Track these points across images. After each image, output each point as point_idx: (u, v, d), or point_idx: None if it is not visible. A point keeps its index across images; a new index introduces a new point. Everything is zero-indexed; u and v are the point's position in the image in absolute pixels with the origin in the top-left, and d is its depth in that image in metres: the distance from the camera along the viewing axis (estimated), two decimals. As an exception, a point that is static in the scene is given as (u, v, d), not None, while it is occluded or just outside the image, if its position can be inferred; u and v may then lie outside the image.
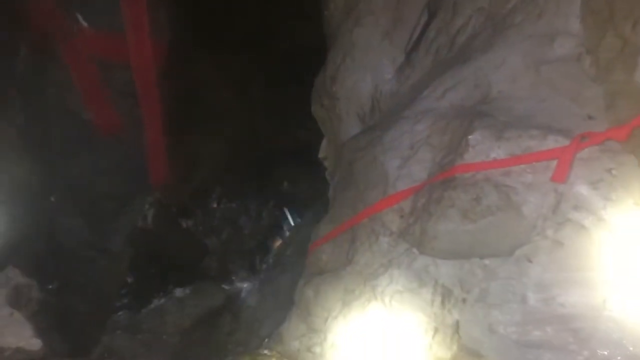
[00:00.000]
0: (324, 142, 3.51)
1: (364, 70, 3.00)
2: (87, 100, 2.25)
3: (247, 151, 6.82)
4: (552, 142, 1.97)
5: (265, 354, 2.52)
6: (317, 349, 2.37)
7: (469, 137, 2.08)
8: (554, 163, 1.94)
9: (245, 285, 6.34)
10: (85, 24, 2.23)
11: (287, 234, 5.84)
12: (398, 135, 2.41)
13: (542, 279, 1.91)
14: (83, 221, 2.53)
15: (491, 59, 2.28)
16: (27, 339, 2.79)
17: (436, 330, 2.10)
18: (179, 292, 6.28)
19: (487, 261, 2.02)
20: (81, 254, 2.59)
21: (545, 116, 2.06)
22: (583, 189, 1.90)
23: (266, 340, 2.69)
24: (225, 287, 6.19)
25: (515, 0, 2.30)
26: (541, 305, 1.90)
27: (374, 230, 2.29)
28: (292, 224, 6.32)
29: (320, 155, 3.71)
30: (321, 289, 2.40)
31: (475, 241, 1.99)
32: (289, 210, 6.68)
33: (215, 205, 7.31)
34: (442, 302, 2.10)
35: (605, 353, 1.75)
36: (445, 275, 2.10)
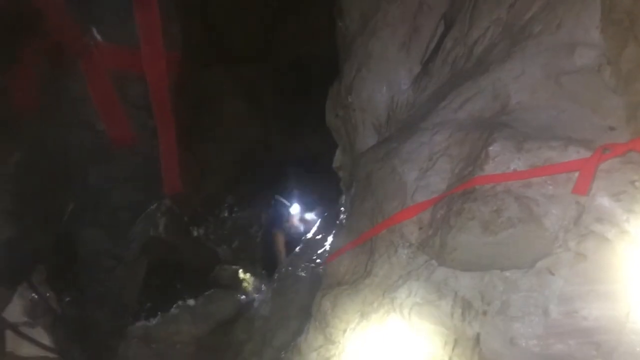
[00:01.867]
0: (338, 152, 3.51)
1: (380, 81, 3.00)
2: (102, 112, 2.28)
3: (259, 160, 6.85)
4: (573, 154, 1.95)
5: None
6: (336, 361, 2.36)
7: (489, 148, 2.07)
8: (576, 175, 1.92)
9: (257, 295, 6.35)
10: (100, 38, 2.26)
11: (300, 244, 5.83)
12: (416, 147, 2.40)
13: (564, 291, 1.89)
14: (100, 231, 2.54)
15: (510, 69, 2.27)
16: (45, 349, 2.80)
17: (456, 342, 2.09)
18: (192, 301, 6.31)
19: (508, 273, 2.00)
20: (99, 263, 2.61)
21: (565, 127, 2.05)
22: (605, 201, 1.89)
23: (283, 353, 2.67)
24: (238, 296, 6.21)
25: (534, 10, 2.29)
26: (563, 318, 1.88)
27: (392, 242, 2.28)
28: (304, 233, 6.32)
29: (335, 165, 3.72)
30: (339, 301, 2.39)
31: (495, 253, 1.98)
32: (301, 220, 6.70)
33: (227, 214, 7.35)
34: (462, 315, 2.08)
35: (629, 366, 1.73)
36: (465, 287, 2.08)
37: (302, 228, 6.55)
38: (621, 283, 1.83)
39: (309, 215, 6.57)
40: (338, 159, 3.48)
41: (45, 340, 2.76)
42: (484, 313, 2.03)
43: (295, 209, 6.74)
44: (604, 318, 1.83)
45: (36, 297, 2.89)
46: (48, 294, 2.96)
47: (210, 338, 5.43)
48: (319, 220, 5.66)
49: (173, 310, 6.20)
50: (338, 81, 3.32)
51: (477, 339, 2.03)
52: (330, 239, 2.77)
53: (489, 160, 2.07)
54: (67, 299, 2.96)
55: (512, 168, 2.03)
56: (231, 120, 6.57)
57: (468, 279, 2.08)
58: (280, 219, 6.85)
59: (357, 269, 2.43)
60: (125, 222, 2.46)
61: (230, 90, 6.41)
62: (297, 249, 5.61)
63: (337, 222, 2.80)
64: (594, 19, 2.08)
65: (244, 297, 6.24)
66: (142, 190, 2.39)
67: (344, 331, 2.33)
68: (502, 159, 2.05)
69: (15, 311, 2.71)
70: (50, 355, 2.74)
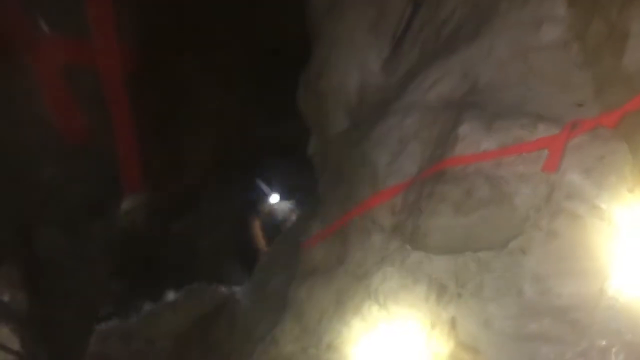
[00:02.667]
0: (312, 139, 3.46)
1: (349, 65, 2.95)
2: (53, 107, 2.19)
3: (236, 149, 6.76)
4: (543, 131, 1.93)
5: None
6: (313, 351, 2.33)
7: (458, 129, 2.05)
8: (545, 152, 1.90)
9: (238, 287, 6.30)
10: (49, 30, 2.16)
11: (279, 234, 5.79)
12: (386, 131, 2.37)
13: (538, 270, 1.88)
14: (57, 230, 2.46)
15: (478, 48, 2.24)
16: (12, 353, 2.73)
17: (432, 326, 2.07)
18: (172, 295, 6.23)
19: (481, 254, 1.98)
20: (58, 263, 2.53)
21: (534, 105, 2.03)
22: (575, 178, 1.87)
23: (260, 345, 2.64)
24: (219, 289, 6.14)
25: (500, -13, 2.26)
26: (537, 298, 1.87)
27: (365, 227, 2.26)
28: (284, 222, 6.28)
29: (309, 152, 3.66)
30: (314, 290, 2.36)
31: (468, 235, 1.96)
32: (280, 209, 6.64)
33: (205, 206, 7.26)
34: (438, 298, 2.06)
35: (604, 343, 1.72)
36: (440, 270, 2.06)
37: (281, 217, 6.50)
38: (594, 260, 1.82)
39: (288, 204, 6.52)
40: (312, 145, 3.43)
41: (13, 344, 2.69)
42: (459, 295, 2.01)
43: (274, 197, 6.68)
44: (577, 295, 1.82)
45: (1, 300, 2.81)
46: (11, 296, 2.88)
47: (191, 333, 5.37)
48: (298, 209, 5.61)
49: (152, 307, 6.14)
50: (308, 67, 3.26)
51: (453, 322, 2.01)
52: (307, 226, 2.75)
53: (458, 142, 2.04)
54: (30, 300, 2.89)
55: (482, 148, 2.01)
56: (205, 109, 6.47)
57: (442, 261, 2.06)
58: (259, 208, 6.79)
59: (331, 257, 2.40)
60: (84, 221, 2.38)
61: (203, 78, 6.30)
62: (277, 238, 5.57)
63: (313, 209, 2.77)
64: (560, -7, 2.06)
65: (224, 290, 6.19)
66: (100, 189, 2.31)
67: (320, 320, 2.30)
68: (472, 140, 2.02)
69: None
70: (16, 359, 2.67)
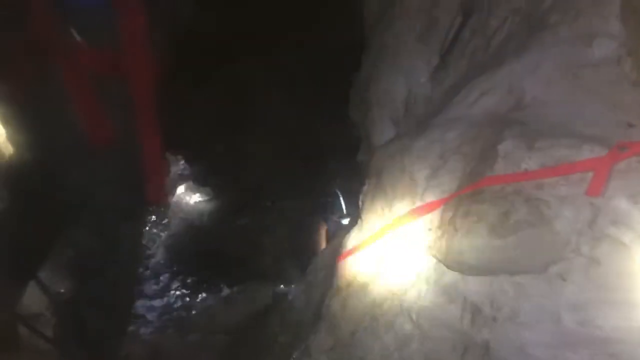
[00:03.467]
0: (361, 147, 3.45)
1: (397, 73, 2.91)
2: (82, 112, 2.29)
3: (302, 151, 6.85)
4: (588, 152, 1.83)
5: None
6: (345, 364, 2.33)
7: (498, 146, 1.97)
8: (590, 175, 1.80)
9: (293, 286, 6.38)
10: (81, 39, 2.26)
11: (334, 236, 5.80)
12: (428, 144, 2.31)
13: (578, 299, 1.79)
14: (88, 232, 2.58)
15: (525, 62, 2.15)
16: (52, 343, 2.90)
17: (465, 349, 2.02)
18: (227, 290, 6.40)
19: (518, 278, 1.91)
20: (88, 264, 2.65)
21: (581, 124, 1.93)
22: (622, 203, 1.76)
23: (295, 353, 2.66)
24: (274, 287, 6.25)
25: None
26: (576, 327, 1.78)
27: (401, 243, 2.22)
28: (344, 224, 6.28)
29: (359, 158, 3.66)
30: (349, 302, 2.35)
31: (504, 257, 1.88)
32: (340, 210, 6.66)
33: (269, 204, 7.41)
34: (472, 320, 2.01)
35: (646, 380, 1.62)
36: (475, 292, 2.00)
37: (336, 221, 6.52)
38: (638, 291, 1.71)
39: (343, 209, 6.52)
40: (360, 153, 3.42)
41: (43, 344, 2.87)
42: (494, 319, 1.95)
43: (338, 200, 6.70)
44: (620, 328, 1.72)
45: (42, 294, 2.99)
46: (49, 293, 3.06)
47: (244, 329, 5.49)
48: (348, 216, 5.61)
49: (208, 300, 6.33)
50: (359, 74, 3.25)
51: (486, 346, 1.95)
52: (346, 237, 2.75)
53: (498, 160, 1.97)
54: (62, 298, 3.05)
55: (522, 168, 1.93)
56: (270, 111, 6.60)
57: (477, 283, 2.00)
58: (324, 210, 6.84)
59: (367, 270, 2.38)
60: (114, 223, 2.49)
61: (265, 80, 6.43)
62: (332, 241, 5.59)
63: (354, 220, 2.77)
64: (614, 7, 1.95)
65: (279, 288, 6.29)
66: (127, 192, 2.40)
67: (353, 334, 2.29)
68: (513, 158, 1.95)
69: (25, 306, 2.81)
70: (55, 350, 2.84)
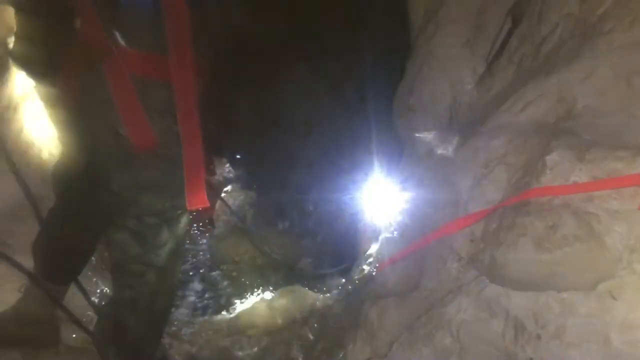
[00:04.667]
0: (405, 153, 3.39)
1: (442, 80, 2.85)
2: (125, 117, 2.32)
3: (346, 155, 6.84)
4: (643, 165, 1.74)
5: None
6: (382, 375, 2.29)
7: (546, 157, 1.90)
8: (644, 189, 1.72)
9: (334, 291, 6.35)
10: (124, 43, 2.30)
11: (378, 242, 5.73)
12: (472, 153, 2.25)
13: (628, 318, 1.70)
14: (127, 236, 2.62)
15: (577, 70, 2.06)
16: (84, 352, 2.96)
17: (508, 366, 1.95)
18: (268, 294, 6.43)
19: (565, 295, 1.83)
20: (129, 268, 2.69)
21: (635, 135, 1.83)
22: (678, 220, 1.67)
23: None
24: (315, 292, 6.24)
25: (607, 5, 2.06)
26: (626, 349, 1.70)
27: (442, 254, 2.17)
28: (385, 231, 6.21)
29: (401, 165, 3.60)
30: (386, 313, 2.30)
31: (550, 273, 1.81)
32: (382, 215, 6.58)
33: (312, 208, 7.41)
34: (515, 336, 1.94)
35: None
36: (518, 307, 1.93)
37: (381, 229, 6.45)
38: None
39: (389, 218, 6.43)
40: (404, 160, 3.37)
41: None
42: (538, 337, 1.87)
43: (377, 208, 6.65)
44: (673, 351, 1.63)
45: (84, 295, 3.05)
46: (90, 294, 3.12)
47: (283, 332, 5.50)
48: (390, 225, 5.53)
49: (249, 303, 6.37)
50: (403, 80, 3.20)
51: (530, 364, 1.88)
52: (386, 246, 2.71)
53: (546, 171, 1.90)
54: (104, 300, 3.11)
55: (572, 180, 1.85)
56: (315, 116, 6.61)
57: (521, 298, 1.93)
58: (364, 216, 6.80)
59: (406, 280, 2.33)
60: (152, 228, 2.52)
61: (310, 85, 6.44)
62: (372, 248, 5.53)
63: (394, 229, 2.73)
64: (673, 13, 1.84)
65: (320, 293, 6.27)
66: (168, 197, 2.43)
67: (391, 344, 2.24)
68: (561, 170, 1.87)
69: (67, 307, 2.88)
70: (94, 352, 2.89)
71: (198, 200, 2.46)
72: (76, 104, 2.40)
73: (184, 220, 2.74)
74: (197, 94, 2.38)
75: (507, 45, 2.55)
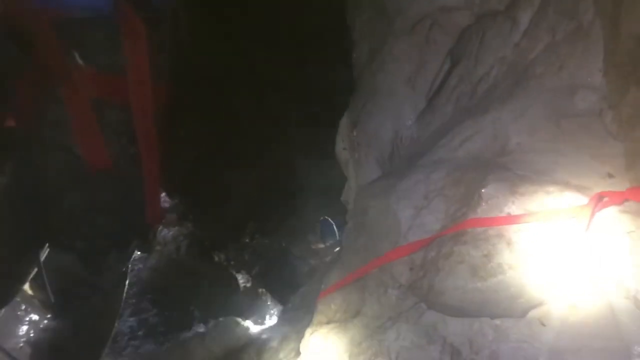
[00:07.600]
0: (346, 186, 3.47)
1: (385, 116, 2.96)
2: (80, 137, 2.30)
3: (282, 187, 6.86)
4: (570, 200, 1.87)
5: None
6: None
7: (482, 190, 2.00)
8: (571, 222, 1.84)
9: (269, 324, 6.28)
10: (83, 63, 2.29)
11: (316, 274, 5.76)
12: (412, 185, 2.34)
13: (556, 345, 1.79)
14: (76, 258, 2.53)
15: (510, 109, 2.21)
16: None
17: (443, 392, 1.99)
18: (202, 327, 6.28)
19: (498, 321, 1.91)
20: (74, 291, 2.59)
21: (563, 172, 1.97)
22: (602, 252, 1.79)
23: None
24: (250, 324, 6.15)
25: (538, 50, 2.23)
26: (554, 373, 1.78)
27: (382, 281, 2.22)
28: (324, 261, 6.25)
29: (342, 198, 3.67)
30: (329, 338, 2.31)
31: (485, 300, 1.89)
32: (320, 248, 6.63)
33: (248, 240, 7.35)
34: (450, 363, 1.99)
35: None
36: (454, 333, 1.99)
37: (318, 258, 6.49)
38: (618, 340, 1.72)
39: (326, 246, 6.50)
40: (345, 192, 3.44)
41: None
42: (472, 362, 1.94)
43: (314, 238, 6.70)
44: (597, 376, 1.72)
45: (22, 317, 2.90)
46: (28, 318, 2.97)
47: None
48: (329, 254, 5.59)
49: (184, 335, 6.19)
50: (346, 115, 3.30)
51: (464, 390, 1.93)
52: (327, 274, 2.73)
53: (482, 203, 2.00)
54: (43, 324, 2.96)
55: (505, 212, 1.96)
56: (255, 147, 6.62)
57: (457, 324, 1.99)
58: (304, 247, 6.82)
59: (348, 308, 2.36)
60: (104, 250, 2.45)
61: (254, 116, 6.47)
62: (311, 279, 5.54)
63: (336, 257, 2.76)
64: (597, 61, 2.02)
65: (255, 325, 6.19)
66: (121, 219, 2.38)
67: (331, 372, 2.26)
68: (496, 202, 1.98)
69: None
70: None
71: (156, 217, 2.43)
72: (30, 123, 2.34)
73: (129, 245, 2.67)
74: (154, 116, 2.37)
75: (446, 83, 2.69)
